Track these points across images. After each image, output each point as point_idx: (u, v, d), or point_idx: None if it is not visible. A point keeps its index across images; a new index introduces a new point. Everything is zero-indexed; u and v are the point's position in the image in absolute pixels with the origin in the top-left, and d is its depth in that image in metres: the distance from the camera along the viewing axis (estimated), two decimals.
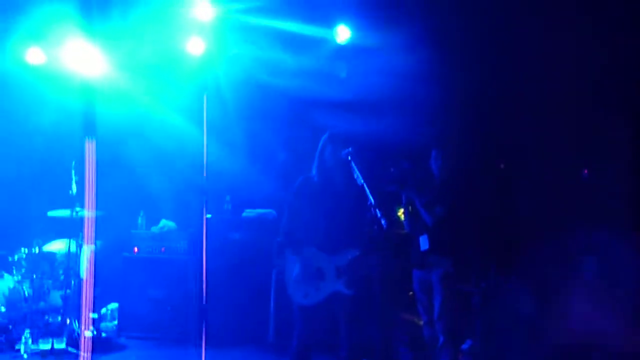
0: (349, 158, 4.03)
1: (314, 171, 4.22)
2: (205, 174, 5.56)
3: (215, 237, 6.12)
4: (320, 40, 6.32)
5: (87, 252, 5.86)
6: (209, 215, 6.18)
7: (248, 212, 6.53)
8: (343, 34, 6.30)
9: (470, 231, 4.93)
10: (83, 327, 5.57)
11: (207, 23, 6.05)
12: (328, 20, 6.22)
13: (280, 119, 6.65)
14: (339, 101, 6.18)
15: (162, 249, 6.42)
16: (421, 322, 5.02)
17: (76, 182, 5.76)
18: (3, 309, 5.80)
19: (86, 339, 5.49)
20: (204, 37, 6.13)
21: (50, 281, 6.02)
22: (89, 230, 5.70)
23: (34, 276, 5.88)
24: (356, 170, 3.99)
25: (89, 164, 5.57)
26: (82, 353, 5.38)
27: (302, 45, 6.25)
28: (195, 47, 6.21)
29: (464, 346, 5.36)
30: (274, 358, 5.67)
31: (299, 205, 4.17)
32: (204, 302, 5.52)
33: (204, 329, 5.26)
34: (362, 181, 3.94)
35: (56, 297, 5.98)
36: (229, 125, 6.49)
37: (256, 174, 6.50)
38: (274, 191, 6.08)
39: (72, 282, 5.89)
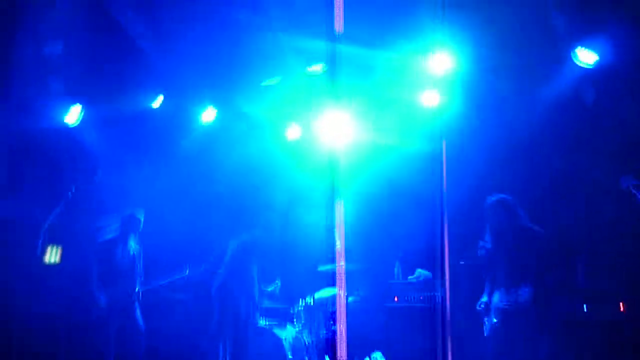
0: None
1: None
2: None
3: (470, 284, 6.06)
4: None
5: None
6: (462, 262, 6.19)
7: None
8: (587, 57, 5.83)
9: None
10: None
11: (442, 76, 6.16)
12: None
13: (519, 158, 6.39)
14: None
15: (421, 297, 6.57)
16: None
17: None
18: (290, 356, 6.55)
19: None
20: (438, 90, 6.27)
21: (324, 331, 6.64)
22: (341, 281, 6.14)
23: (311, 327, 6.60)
24: None
25: (339, 224, 6.06)
26: None
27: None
28: (430, 99, 6.40)
29: None
30: None
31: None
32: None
33: None
34: None
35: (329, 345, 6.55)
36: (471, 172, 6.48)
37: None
38: None
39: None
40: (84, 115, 6.32)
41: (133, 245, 6.48)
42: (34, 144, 6.24)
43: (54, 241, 6.16)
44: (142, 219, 6.49)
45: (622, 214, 5.57)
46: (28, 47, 5.42)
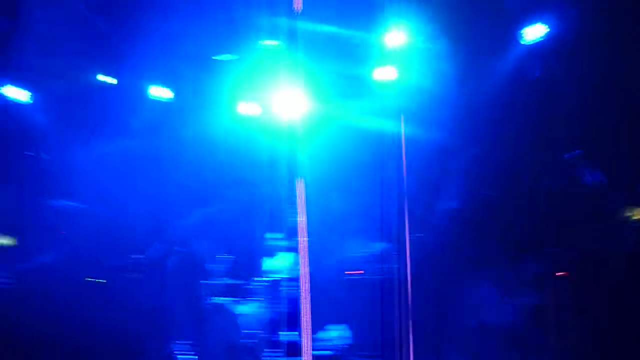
0: None
1: None
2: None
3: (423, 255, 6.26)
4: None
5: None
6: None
7: None
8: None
9: None
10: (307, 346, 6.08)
11: (397, 50, 6.25)
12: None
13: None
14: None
15: (379, 269, 6.71)
16: None
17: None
18: (246, 330, 6.59)
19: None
20: (394, 65, 6.36)
21: (282, 305, 6.72)
22: (302, 257, 6.22)
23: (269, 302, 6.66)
24: None
25: (300, 200, 6.10)
26: None
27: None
28: (387, 74, 6.49)
29: None
30: None
31: None
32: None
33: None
34: None
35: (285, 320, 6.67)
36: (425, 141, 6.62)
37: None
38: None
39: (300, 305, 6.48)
40: (33, 92, 6.08)
41: None
42: None
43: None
44: None
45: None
46: None
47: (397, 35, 6.11)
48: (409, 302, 6.06)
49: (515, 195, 6.05)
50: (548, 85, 6.21)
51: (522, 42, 6.15)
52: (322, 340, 6.66)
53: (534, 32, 6.06)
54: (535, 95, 6.28)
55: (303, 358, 5.99)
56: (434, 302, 6.15)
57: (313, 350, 6.15)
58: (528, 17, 6.05)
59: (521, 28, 6.09)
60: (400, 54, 6.28)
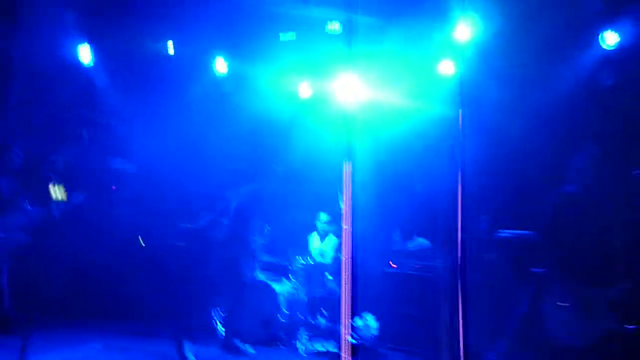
0: None
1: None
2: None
3: (470, 256, 6.07)
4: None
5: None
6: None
7: (504, 233, 6.32)
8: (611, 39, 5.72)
9: None
10: (345, 333, 6.07)
11: (462, 45, 6.05)
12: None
13: (534, 134, 6.28)
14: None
15: (416, 265, 6.60)
16: None
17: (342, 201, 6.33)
18: (285, 310, 6.68)
19: (349, 345, 5.98)
20: (457, 59, 6.17)
21: (320, 289, 6.77)
22: (345, 242, 6.19)
23: (308, 285, 6.72)
24: None
25: (346, 185, 6.06)
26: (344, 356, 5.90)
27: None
28: (448, 68, 6.31)
29: None
30: None
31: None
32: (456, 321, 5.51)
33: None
34: None
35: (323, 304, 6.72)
36: (490, 144, 6.38)
37: (512, 193, 6.26)
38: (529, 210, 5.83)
39: (338, 291, 6.49)
40: (97, 56, 6.32)
41: None
42: (46, 80, 6.24)
43: (66, 179, 6.17)
44: None
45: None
46: None
47: (463, 28, 5.89)
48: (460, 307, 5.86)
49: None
50: (621, 94, 5.85)
51: (600, 47, 5.81)
52: (355, 328, 6.63)
53: (614, 38, 5.72)
54: (606, 103, 5.93)
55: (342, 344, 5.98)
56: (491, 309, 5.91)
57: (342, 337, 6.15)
58: (608, 22, 5.70)
59: (600, 32, 5.76)
60: (464, 48, 6.07)
